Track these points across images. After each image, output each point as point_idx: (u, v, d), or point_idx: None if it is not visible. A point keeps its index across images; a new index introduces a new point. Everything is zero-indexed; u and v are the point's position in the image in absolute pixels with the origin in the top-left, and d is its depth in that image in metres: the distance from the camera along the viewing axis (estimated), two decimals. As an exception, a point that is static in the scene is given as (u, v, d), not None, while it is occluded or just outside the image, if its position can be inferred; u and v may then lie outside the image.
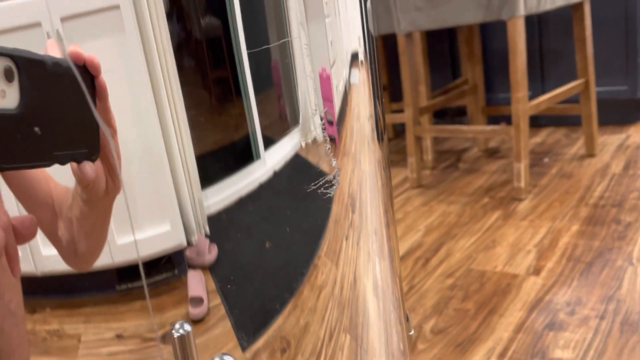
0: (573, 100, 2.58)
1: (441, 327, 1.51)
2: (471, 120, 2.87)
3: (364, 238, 0.62)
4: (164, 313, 0.50)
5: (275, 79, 0.57)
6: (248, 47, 0.54)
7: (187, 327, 0.50)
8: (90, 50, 0.45)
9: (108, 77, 0.47)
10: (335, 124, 0.59)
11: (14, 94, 0.33)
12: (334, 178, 0.58)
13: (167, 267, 0.50)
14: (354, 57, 0.62)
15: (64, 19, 0.45)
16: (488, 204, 2.22)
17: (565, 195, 2.17)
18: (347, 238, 0.60)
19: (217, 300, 0.52)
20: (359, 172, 0.61)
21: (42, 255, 0.48)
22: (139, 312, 0.50)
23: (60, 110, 0.37)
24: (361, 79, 0.63)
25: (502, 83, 3.05)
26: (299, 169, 0.58)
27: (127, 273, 0.49)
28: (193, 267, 0.52)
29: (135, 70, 0.47)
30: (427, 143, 2.79)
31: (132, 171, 0.48)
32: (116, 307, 0.49)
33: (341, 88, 0.60)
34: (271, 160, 0.56)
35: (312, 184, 0.57)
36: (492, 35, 3.04)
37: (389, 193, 0.70)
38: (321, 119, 0.58)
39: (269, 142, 0.56)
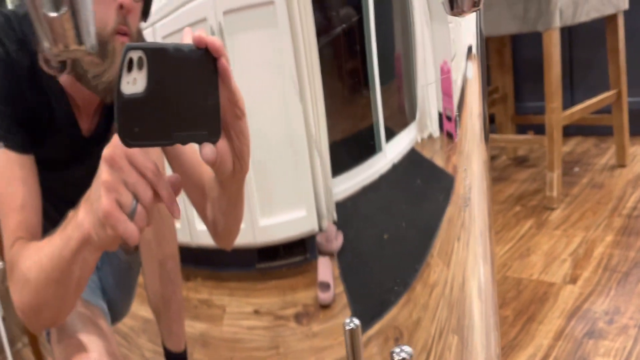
0: (604, 110, 2.59)
1: (482, 331, 1.51)
2: (499, 129, 2.88)
3: (472, 240, 0.63)
4: (296, 294, 0.52)
5: (397, 72, 0.57)
6: (377, 40, 0.55)
7: (356, 321, 0.52)
8: (245, 41, 0.47)
9: (258, 67, 0.49)
10: (454, 120, 0.60)
11: (142, 80, 0.36)
12: (451, 177, 0.58)
13: (300, 251, 0.52)
14: (469, 51, 0.62)
15: (226, 13, 0.46)
16: (520, 212, 2.22)
17: (598, 206, 2.17)
18: (459, 239, 0.60)
19: (341, 287, 0.53)
20: (470, 172, 0.62)
21: (197, 230, 0.51)
22: (274, 291, 0.52)
23: (182, 93, 0.39)
24: (474, 75, 0.63)
25: (531, 92, 3.05)
26: (415, 164, 0.58)
27: (266, 253, 0.51)
28: (322, 252, 0.53)
29: (283, 60, 0.48)
30: (454, 148, 2.78)
31: (275, 157, 0.50)
32: (255, 284, 0.52)
33: (459, 83, 0.61)
34: (391, 153, 0.56)
35: (428, 180, 0.58)
36: (522, 44, 3.04)
37: (491, 196, 0.71)
38: (439, 115, 0.59)
39: (389, 134, 0.57)
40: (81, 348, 0.51)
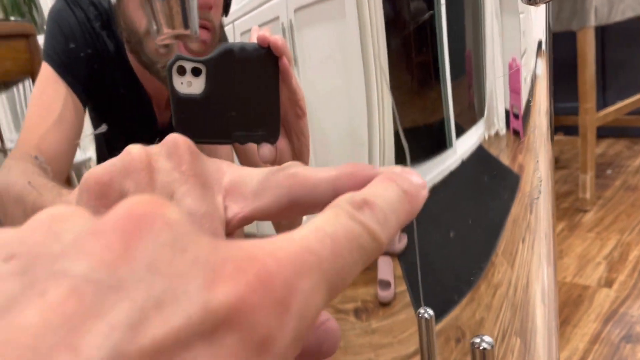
0: (636, 112, 2.53)
1: (515, 333, 1.49)
2: (528, 128, 2.84)
3: (537, 241, 0.61)
4: (356, 289, 0.51)
5: (467, 67, 0.56)
6: (448, 33, 0.54)
7: (430, 311, 0.51)
8: (314, 37, 0.46)
9: (325, 63, 0.48)
10: (521, 118, 0.58)
11: (200, 83, 0.36)
12: (517, 177, 0.57)
13: None
14: (539, 47, 0.61)
15: (297, 10, 0.46)
16: (551, 213, 2.19)
17: (632, 208, 2.13)
18: (523, 240, 0.59)
19: (403, 286, 0.53)
20: (537, 171, 0.60)
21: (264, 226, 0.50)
22: None
23: (242, 94, 0.38)
24: (543, 72, 0.62)
25: (562, 92, 3.00)
26: (483, 162, 0.57)
27: None
28: (384, 253, 0.52)
29: (350, 54, 0.48)
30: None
31: (337, 153, 0.49)
32: None
33: (528, 80, 0.59)
34: (460, 149, 0.55)
35: (495, 179, 0.57)
36: (554, 43, 3.00)
37: (555, 197, 0.69)
38: (507, 112, 0.58)
39: (459, 130, 0.55)
40: None
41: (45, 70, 0.48)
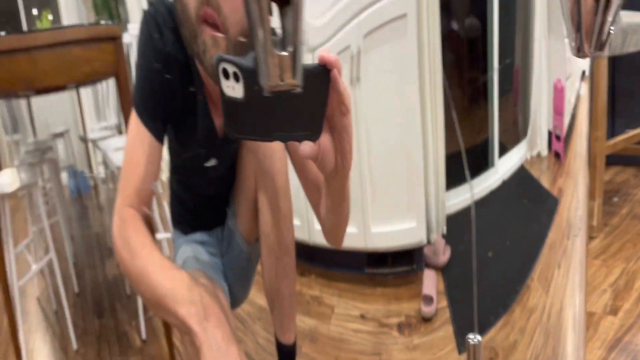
0: (645, 142, 2.54)
1: None
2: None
3: (572, 268, 0.61)
4: (400, 304, 0.52)
5: (514, 86, 0.56)
6: (499, 51, 0.54)
7: (479, 337, 0.51)
8: (378, 57, 0.47)
9: (383, 76, 0.48)
10: (563, 140, 0.58)
11: (240, 89, 0.38)
12: (556, 200, 0.56)
13: (407, 261, 0.52)
14: (583, 73, 0.60)
15: (366, 35, 0.48)
16: (557, 237, 2.18)
17: (638, 237, 2.13)
18: (559, 266, 0.59)
19: (444, 302, 0.52)
20: (576, 196, 0.60)
21: (314, 229, 0.52)
22: (380, 298, 0.52)
23: (283, 101, 0.39)
24: (585, 95, 0.62)
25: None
26: (523, 183, 0.57)
27: (375, 259, 0.52)
28: (428, 265, 0.52)
29: (408, 69, 0.48)
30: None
31: (392, 166, 0.50)
32: (363, 289, 0.52)
33: (572, 102, 0.59)
34: (502, 169, 0.55)
35: (534, 202, 0.56)
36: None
37: (589, 224, 0.69)
38: (549, 132, 0.57)
39: (502, 149, 0.55)
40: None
41: (133, 117, 0.58)
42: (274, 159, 0.55)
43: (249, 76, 0.38)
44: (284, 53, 0.34)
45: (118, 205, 0.57)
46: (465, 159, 0.52)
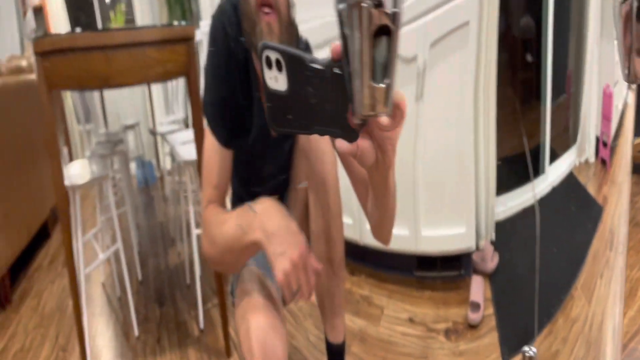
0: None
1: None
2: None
3: (614, 278, 0.60)
4: (448, 309, 0.51)
5: (567, 90, 0.54)
6: (552, 55, 0.52)
7: (534, 349, 0.51)
8: (440, 66, 0.47)
9: (444, 90, 0.48)
10: (609, 147, 0.57)
11: (283, 80, 0.40)
12: (600, 208, 0.55)
13: (455, 266, 0.51)
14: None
15: (432, 44, 0.47)
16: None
17: (640, 245, 2.11)
18: (601, 276, 0.58)
19: (490, 309, 0.51)
20: (620, 205, 0.59)
21: (365, 229, 0.51)
22: (428, 302, 0.52)
23: (319, 98, 0.41)
24: (632, 101, 0.60)
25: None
26: (571, 190, 0.55)
27: (424, 262, 0.51)
28: (477, 271, 0.51)
29: (466, 81, 0.47)
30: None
31: (442, 171, 0.49)
32: (412, 291, 0.52)
33: (619, 108, 0.58)
34: (552, 175, 0.54)
35: (581, 209, 0.55)
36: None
37: (628, 234, 0.68)
38: (597, 139, 0.56)
39: (552, 155, 0.54)
40: (255, 306, 0.57)
41: (208, 133, 0.66)
42: (325, 161, 0.57)
43: (291, 62, 0.39)
44: (381, 85, 0.34)
45: (203, 208, 0.67)
46: (528, 158, 0.51)
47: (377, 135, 0.41)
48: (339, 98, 0.40)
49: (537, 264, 0.53)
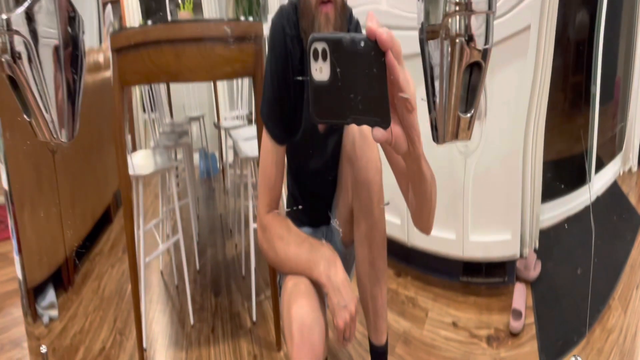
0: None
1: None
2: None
3: (650, 289, 0.59)
4: (490, 315, 0.50)
5: (615, 97, 0.53)
6: (602, 58, 0.51)
7: (579, 359, 0.50)
8: (501, 73, 0.46)
9: (497, 83, 0.46)
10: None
11: (327, 70, 0.41)
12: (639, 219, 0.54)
13: (499, 273, 0.50)
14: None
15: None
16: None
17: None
18: (637, 287, 0.57)
19: (531, 318, 0.51)
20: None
21: (413, 230, 0.51)
22: (472, 307, 0.51)
23: (355, 83, 0.42)
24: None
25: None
26: (615, 199, 0.54)
27: (470, 268, 0.51)
28: (519, 279, 0.50)
29: (523, 78, 0.46)
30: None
31: (490, 177, 0.48)
32: (456, 296, 0.51)
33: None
34: (597, 184, 0.52)
35: (622, 219, 0.54)
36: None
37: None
38: (640, 148, 0.55)
39: (598, 164, 0.53)
40: (299, 292, 0.60)
41: (264, 133, 0.68)
42: (369, 168, 0.57)
43: (334, 48, 0.40)
44: (467, 115, 0.35)
45: (258, 212, 0.71)
46: (592, 157, 0.50)
47: (405, 122, 0.42)
48: (373, 80, 0.41)
49: (579, 273, 0.52)
